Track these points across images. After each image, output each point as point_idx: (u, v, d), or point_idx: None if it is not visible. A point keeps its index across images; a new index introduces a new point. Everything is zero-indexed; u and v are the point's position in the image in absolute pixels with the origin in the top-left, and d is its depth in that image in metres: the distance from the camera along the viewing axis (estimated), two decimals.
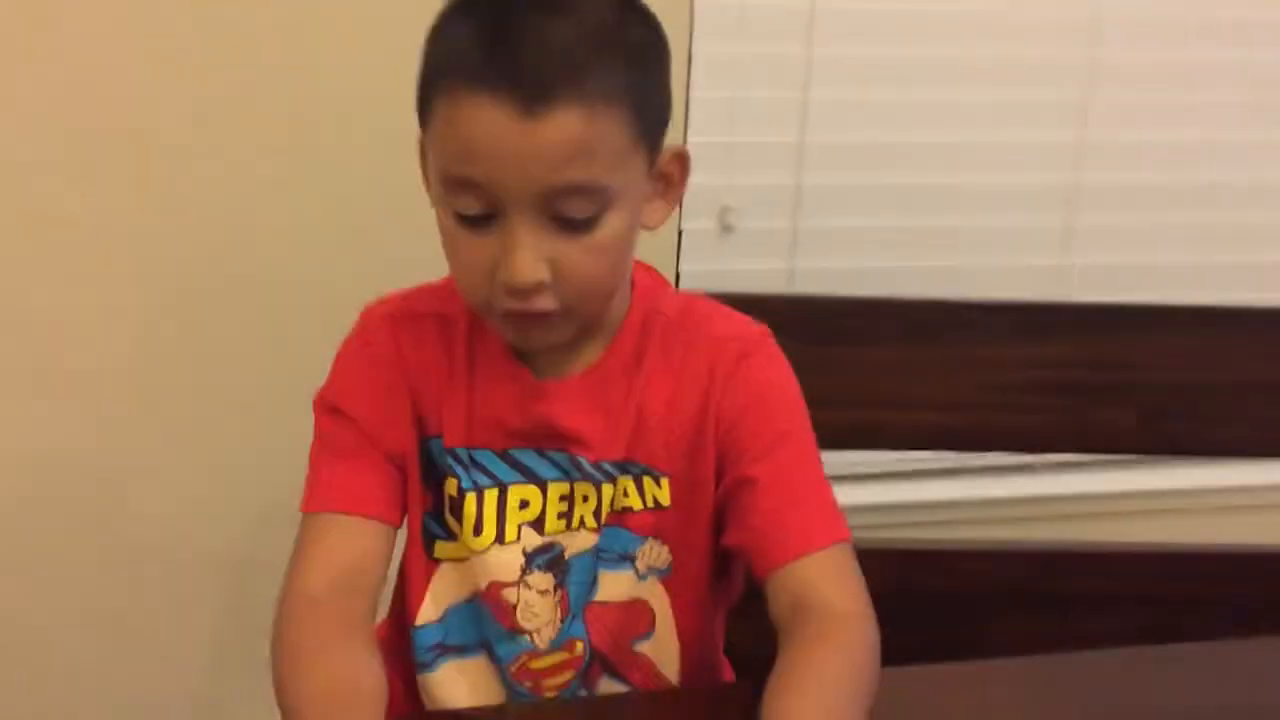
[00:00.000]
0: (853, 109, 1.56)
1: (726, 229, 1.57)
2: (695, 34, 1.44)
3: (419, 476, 0.92)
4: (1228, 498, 1.75)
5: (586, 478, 0.90)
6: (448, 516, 0.92)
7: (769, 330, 0.93)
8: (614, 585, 0.92)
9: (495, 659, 0.95)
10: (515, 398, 0.90)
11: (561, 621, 0.92)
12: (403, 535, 0.93)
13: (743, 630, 0.99)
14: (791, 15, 1.52)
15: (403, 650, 0.96)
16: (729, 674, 1.03)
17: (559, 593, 0.92)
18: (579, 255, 0.80)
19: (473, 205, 0.79)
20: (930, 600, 1.23)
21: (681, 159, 0.88)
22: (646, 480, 0.91)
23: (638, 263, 0.92)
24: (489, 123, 0.76)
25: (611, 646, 0.94)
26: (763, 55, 1.52)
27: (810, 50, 1.53)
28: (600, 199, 0.80)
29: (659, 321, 0.91)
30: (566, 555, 0.91)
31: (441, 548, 0.93)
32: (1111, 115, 1.63)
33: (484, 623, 0.94)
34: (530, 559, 0.91)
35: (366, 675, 0.79)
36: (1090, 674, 0.93)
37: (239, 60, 1.32)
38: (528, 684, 0.94)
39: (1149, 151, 1.66)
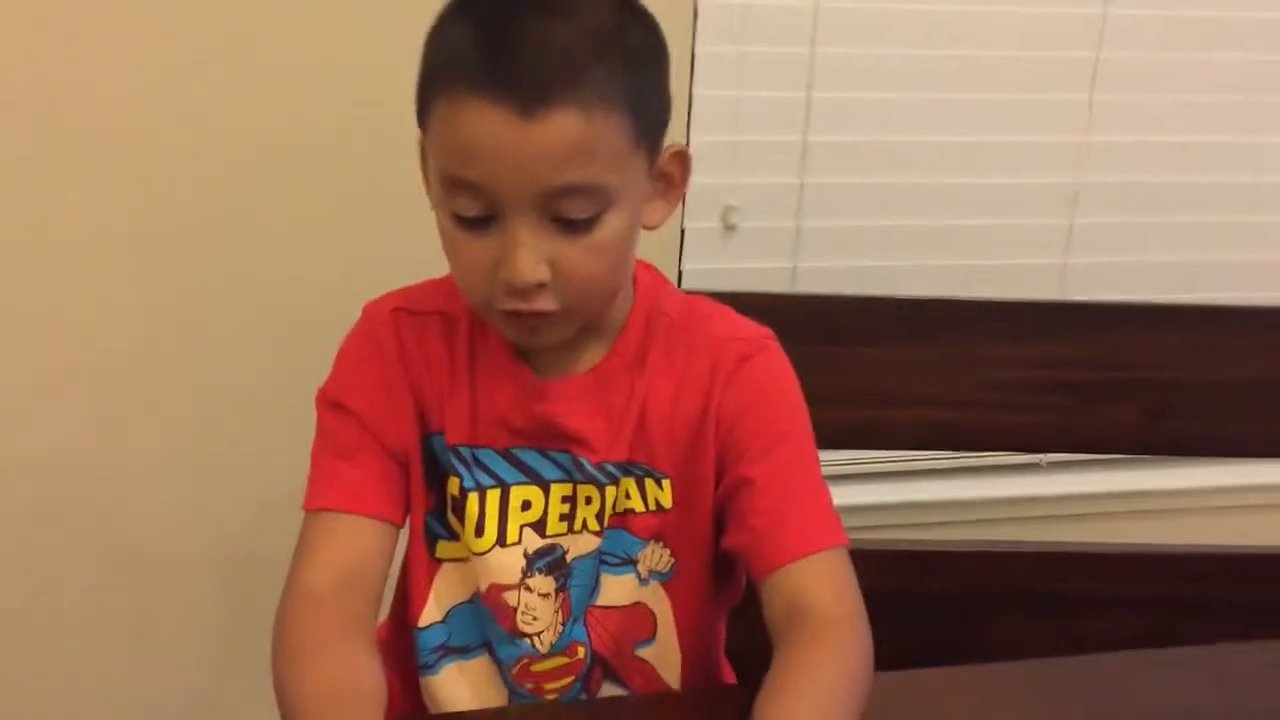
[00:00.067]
0: (855, 109, 1.57)
1: (729, 228, 1.57)
2: (698, 33, 1.44)
3: (421, 475, 0.92)
4: (1228, 498, 1.75)
5: (589, 479, 0.90)
6: (450, 516, 0.92)
7: (772, 333, 0.93)
8: (616, 589, 0.92)
9: (497, 660, 0.95)
10: (517, 397, 0.90)
11: (562, 625, 0.92)
12: (404, 535, 0.93)
13: (744, 631, 0.99)
14: (795, 15, 1.52)
15: (403, 651, 0.96)
16: (730, 676, 1.03)
17: (560, 596, 0.92)
18: (579, 255, 0.80)
19: (472, 207, 0.79)
20: (929, 601, 1.23)
21: (682, 159, 0.87)
22: (648, 482, 0.91)
23: (640, 262, 0.92)
24: (488, 124, 0.76)
25: (613, 651, 0.94)
26: (766, 55, 1.52)
27: (813, 50, 1.53)
28: (600, 199, 0.79)
29: (662, 322, 0.91)
30: (568, 558, 0.91)
31: (444, 548, 0.93)
32: (1113, 116, 1.63)
33: (486, 623, 0.93)
34: (531, 561, 0.91)
35: (366, 675, 0.79)
36: (1090, 676, 0.93)
37: (239, 60, 1.32)
38: (529, 686, 0.94)
39: (1151, 152, 1.66)
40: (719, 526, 0.91)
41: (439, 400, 0.91)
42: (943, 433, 1.25)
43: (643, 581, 0.93)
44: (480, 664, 0.95)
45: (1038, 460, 1.73)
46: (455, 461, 0.90)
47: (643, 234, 0.87)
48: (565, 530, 0.91)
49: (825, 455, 0.92)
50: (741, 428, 0.89)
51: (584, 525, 0.91)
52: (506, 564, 0.91)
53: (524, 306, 0.81)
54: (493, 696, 0.95)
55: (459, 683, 0.95)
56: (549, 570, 0.91)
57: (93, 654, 1.47)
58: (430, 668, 0.95)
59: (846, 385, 1.19)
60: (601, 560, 0.91)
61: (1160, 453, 1.46)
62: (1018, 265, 1.66)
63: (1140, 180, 1.67)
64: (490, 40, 0.77)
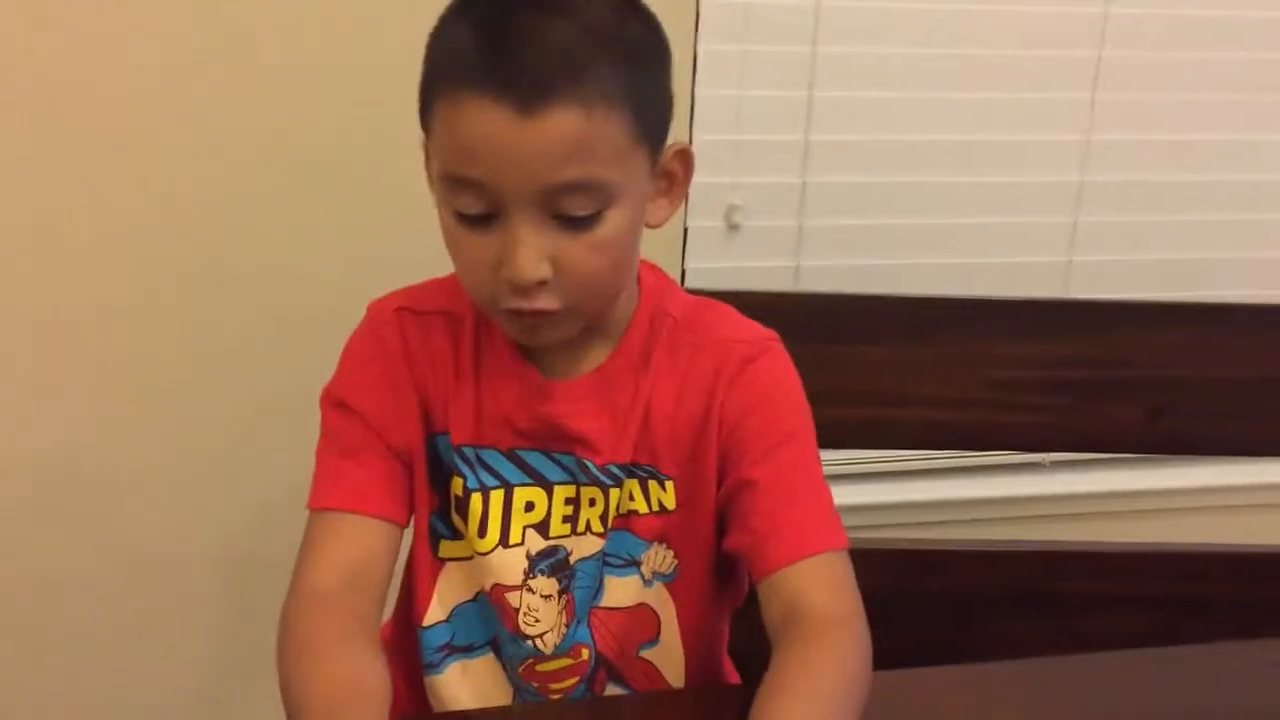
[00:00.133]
0: (858, 108, 1.57)
1: (732, 227, 1.58)
2: (701, 33, 1.44)
3: (425, 475, 0.92)
4: (1229, 497, 1.75)
5: (593, 481, 0.90)
6: (453, 516, 0.92)
7: (777, 335, 0.93)
8: (620, 591, 0.92)
9: (504, 657, 0.95)
10: (521, 397, 0.90)
11: (566, 627, 0.92)
12: (408, 535, 0.93)
13: (746, 631, 0.99)
14: (797, 14, 1.52)
15: (407, 650, 0.96)
16: (733, 676, 1.03)
17: (564, 598, 0.91)
18: (580, 252, 0.80)
19: (474, 205, 0.79)
20: (929, 601, 1.23)
21: (685, 157, 0.87)
22: (652, 484, 0.90)
23: (645, 263, 0.92)
24: (488, 122, 0.76)
25: (617, 652, 0.94)
26: (768, 54, 1.52)
27: (815, 49, 1.53)
28: (601, 196, 0.79)
29: (666, 323, 0.91)
30: (572, 560, 0.91)
31: (447, 547, 0.93)
32: (1115, 114, 1.63)
33: (492, 621, 0.94)
34: (534, 563, 0.91)
35: (371, 675, 0.79)
36: (1089, 676, 0.93)
37: (239, 60, 1.32)
38: (535, 685, 0.94)
39: (1153, 151, 1.66)
40: (721, 528, 0.91)
41: (443, 400, 0.91)
42: (944, 432, 1.25)
43: (646, 583, 0.93)
44: (484, 663, 0.95)
45: (1039, 459, 1.73)
46: (459, 461, 0.90)
47: (646, 233, 0.87)
48: (568, 532, 0.91)
49: (825, 454, 0.92)
50: (744, 429, 0.88)
51: (587, 527, 0.91)
52: (509, 565, 0.91)
53: (525, 305, 0.81)
54: (497, 695, 0.95)
55: (463, 682, 0.95)
56: (552, 572, 0.91)
57: (93, 654, 1.47)
58: (434, 667, 0.95)
59: (848, 384, 1.19)
60: (605, 562, 0.91)
61: (1161, 452, 1.46)
62: (1020, 264, 1.66)
63: (1142, 179, 1.67)
64: (490, 39, 0.77)
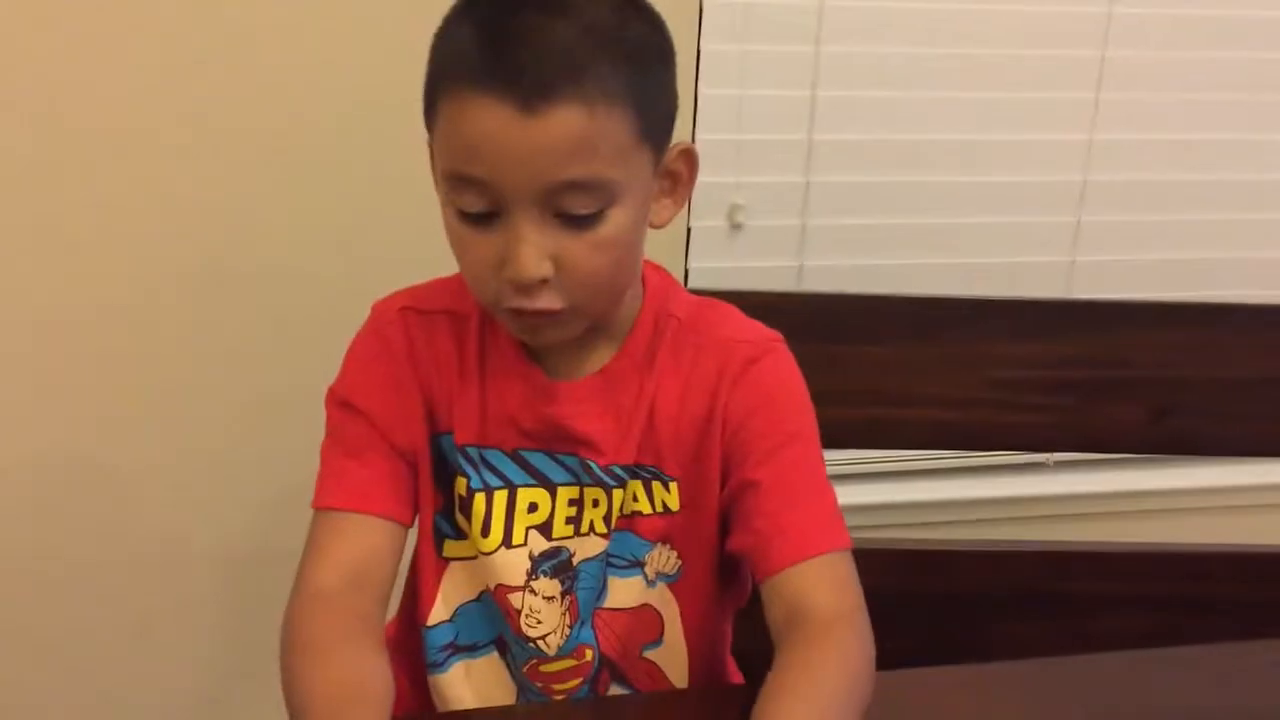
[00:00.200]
0: (861, 108, 1.57)
1: (735, 227, 1.57)
2: (703, 32, 1.44)
3: (430, 474, 0.92)
4: (1233, 497, 1.75)
5: (597, 482, 0.90)
6: (457, 515, 0.92)
7: (781, 336, 0.93)
8: (623, 591, 0.92)
9: (508, 657, 0.95)
10: (526, 398, 0.89)
11: (570, 627, 0.92)
12: (413, 534, 0.93)
13: (749, 632, 0.99)
14: (799, 14, 1.52)
15: (411, 649, 0.96)
16: (736, 677, 1.03)
17: (567, 599, 0.91)
18: (583, 251, 0.80)
19: (477, 203, 0.79)
20: (933, 601, 1.23)
21: (689, 156, 0.87)
22: (656, 485, 0.90)
23: (650, 264, 0.92)
24: (491, 121, 0.76)
25: (620, 653, 0.94)
26: (771, 54, 1.52)
27: (818, 49, 1.53)
28: (603, 195, 0.79)
29: (670, 323, 0.91)
30: (575, 561, 0.91)
31: (451, 547, 0.93)
32: (1119, 114, 1.63)
33: (496, 621, 0.94)
34: (537, 564, 0.91)
35: (374, 675, 0.79)
36: (1093, 676, 0.93)
37: (239, 60, 1.31)
38: (538, 684, 0.94)
39: (1156, 150, 1.66)
40: (725, 528, 0.91)
41: (448, 400, 0.91)
42: (947, 432, 1.25)
43: (650, 584, 0.93)
44: (488, 662, 0.95)
45: (1043, 460, 1.72)
46: (463, 462, 0.90)
47: (649, 233, 0.87)
48: (572, 533, 0.91)
49: (828, 454, 0.91)
50: (747, 429, 0.88)
51: (591, 528, 0.91)
52: (512, 565, 0.91)
53: (527, 305, 0.81)
54: (500, 695, 0.95)
55: (466, 681, 0.95)
56: (555, 573, 0.91)
57: (93, 654, 1.47)
58: (438, 666, 0.95)
59: (851, 384, 1.19)
60: (608, 563, 0.91)
61: (1165, 452, 1.46)
62: (1023, 264, 1.66)
63: (1145, 179, 1.67)
64: (493, 39, 0.77)
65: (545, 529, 0.91)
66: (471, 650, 0.95)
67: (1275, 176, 1.71)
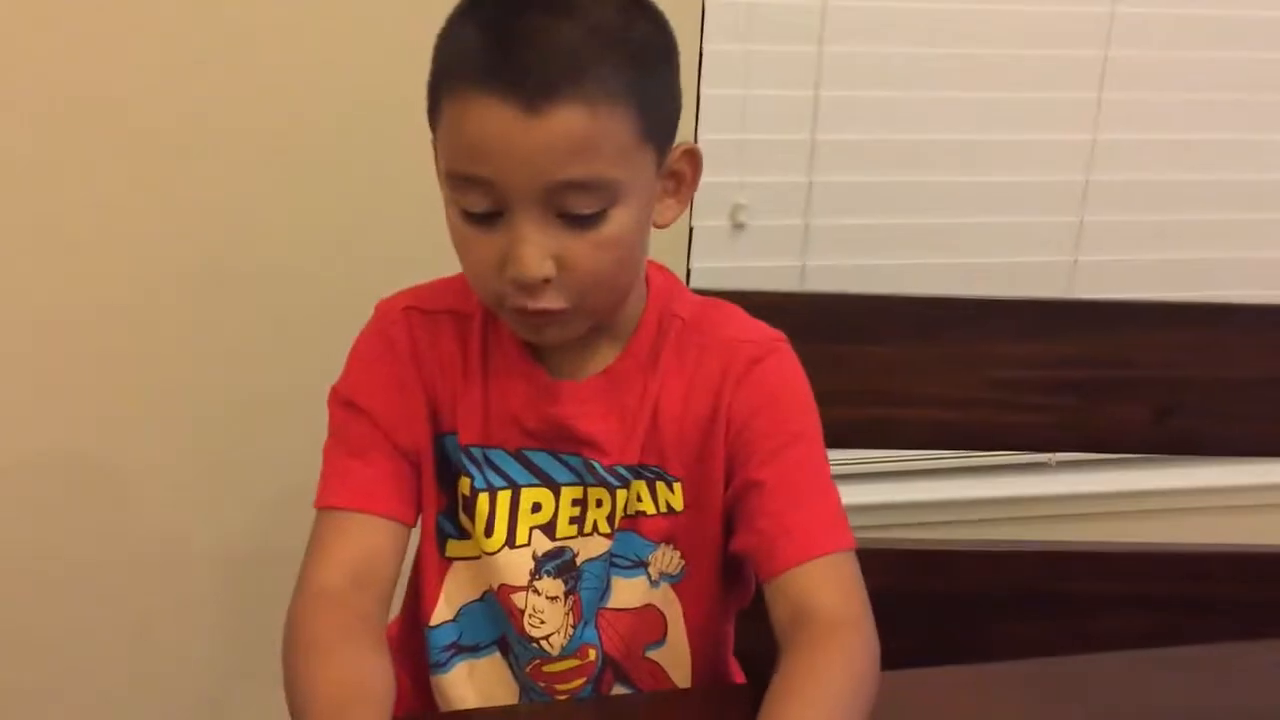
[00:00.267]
0: (863, 107, 1.57)
1: (738, 227, 1.57)
2: (706, 32, 1.44)
3: (433, 474, 0.92)
4: (1236, 497, 1.75)
5: (600, 483, 0.90)
6: (461, 515, 0.92)
7: (785, 336, 0.92)
8: (627, 591, 0.92)
9: (511, 657, 0.95)
10: (530, 398, 0.89)
11: (573, 628, 0.92)
12: (415, 534, 0.93)
13: (752, 632, 0.99)
14: (802, 14, 1.52)
15: (414, 649, 0.96)
16: (739, 677, 1.03)
17: (570, 599, 0.91)
18: (585, 251, 0.80)
19: (480, 203, 0.79)
20: (934, 601, 1.23)
21: (693, 156, 0.87)
22: (659, 485, 0.90)
23: (654, 264, 0.92)
24: (493, 121, 0.76)
25: (624, 653, 0.94)
26: (773, 54, 1.52)
27: (821, 49, 1.53)
28: (605, 195, 0.79)
29: (674, 323, 0.91)
30: (578, 561, 0.91)
31: (454, 547, 0.93)
32: (1121, 114, 1.63)
33: (499, 620, 0.93)
34: (540, 564, 0.91)
35: (375, 675, 0.79)
36: (1093, 676, 0.93)
37: (239, 60, 1.31)
38: (541, 684, 0.94)
39: (1158, 150, 1.66)
40: (729, 528, 0.91)
41: (451, 400, 0.91)
42: (949, 432, 1.25)
43: (653, 584, 0.93)
44: (491, 662, 0.95)
45: (1045, 460, 1.72)
46: (466, 461, 0.90)
47: (652, 232, 0.87)
48: (575, 533, 0.91)
49: (831, 454, 0.91)
50: (751, 430, 0.88)
51: (594, 528, 0.91)
52: (515, 565, 0.91)
53: (530, 304, 0.81)
54: (503, 695, 0.95)
55: (469, 681, 0.95)
56: (558, 573, 0.91)
57: (93, 654, 1.47)
58: (441, 666, 0.95)
59: (853, 384, 1.19)
60: (612, 563, 0.91)
61: (1167, 452, 1.46)
62: (1025, 264, 1.66)
63: (1148, 179, 1.67)
64: (496, 39, 0.77)
65: (549, 529, 0.90)
66: (474, 650, 0.95)
67: (1278, 176, 1.71)
